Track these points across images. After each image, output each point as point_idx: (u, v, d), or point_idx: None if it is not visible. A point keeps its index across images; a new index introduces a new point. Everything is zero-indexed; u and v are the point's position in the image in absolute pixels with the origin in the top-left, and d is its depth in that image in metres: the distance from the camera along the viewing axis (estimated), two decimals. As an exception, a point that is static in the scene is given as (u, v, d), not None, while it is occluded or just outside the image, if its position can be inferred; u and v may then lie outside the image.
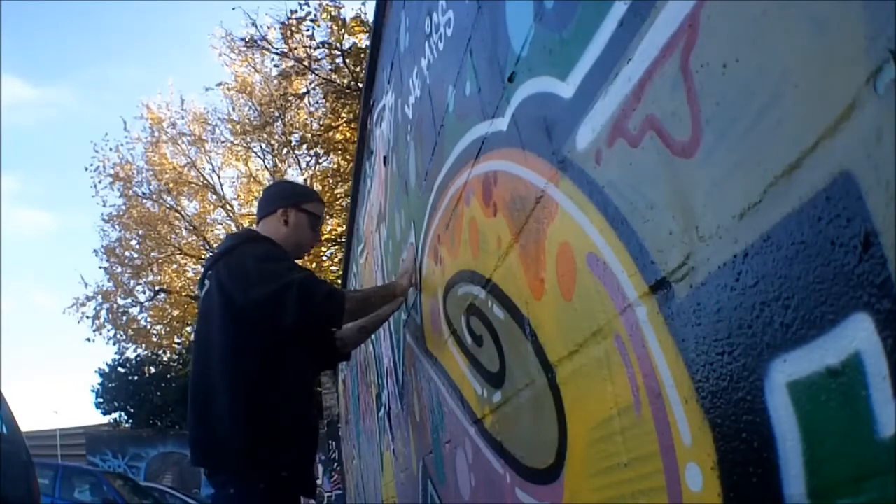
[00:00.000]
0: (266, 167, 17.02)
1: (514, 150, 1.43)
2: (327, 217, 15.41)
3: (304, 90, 13.53)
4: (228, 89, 15.81)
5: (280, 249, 1.98)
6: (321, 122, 13.40)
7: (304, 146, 13.89)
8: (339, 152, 12.66)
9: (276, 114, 14.62)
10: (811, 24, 0.63)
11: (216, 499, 1.95)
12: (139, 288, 17.17)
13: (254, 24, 12.75)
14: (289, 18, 11.59)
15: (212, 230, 17.43)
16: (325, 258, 15.25)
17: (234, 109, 16.54)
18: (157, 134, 17.05)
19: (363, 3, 12.36)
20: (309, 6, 11.31)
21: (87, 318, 16.93)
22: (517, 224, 1.43)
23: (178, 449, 18.20)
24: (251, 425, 1.81)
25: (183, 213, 17.17)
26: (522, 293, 1.45)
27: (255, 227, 2.20)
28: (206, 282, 1.99)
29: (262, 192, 2.42)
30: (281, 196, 2.16)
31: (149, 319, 17.11)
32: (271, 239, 2.02)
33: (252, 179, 17.02)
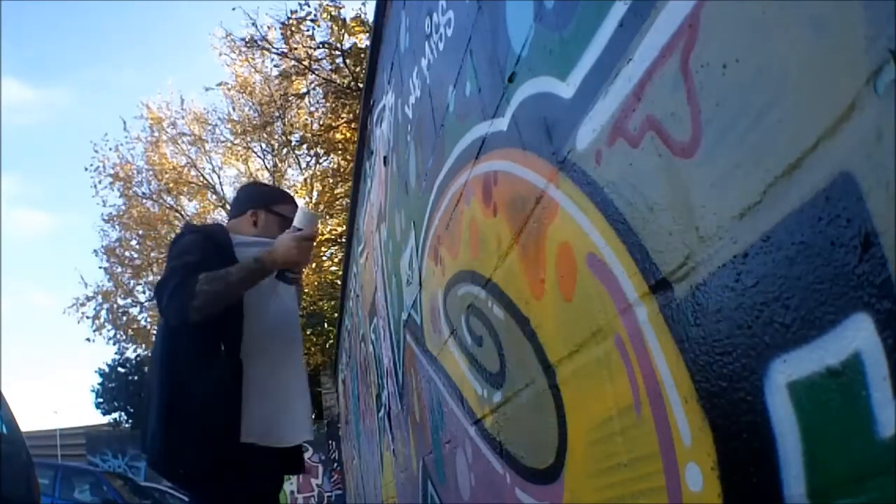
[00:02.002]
0: (266, 167, 17.03)
1: (514, 151, 1.43)
2: (327, 217, 15.44)
3: (304, 90, 13.52)
4: (228, 89, 15.83)
5: (203, 242, 1.85)
6: (321, 122, 13.39)
7: (304, 146, 13.88)
8: (339, 152, 12.65)
9: (276, 114, 14.62)
10: (811, 24, 0.63)
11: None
12: (139, 288, 17.17)
13: (254, 24, 12.76)
14: (289, 18, 11.59)
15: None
16: (325, 258, 15.25)
17: (234, 109, 16.55)
18: (156, 134, 17.07)
19: (363, 3, 12.37)
20: (309, 6, 11.31)
21: (87, 318, 16.95)
22: (517, 224, 1.43)
23: (178, 449, 18.09)
24: (167, 418, 1.79)
25: (183, 213, 17.18)
26: (522, 293, 1.45)
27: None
28: None
29: (236, 191, 2.35)
30: (251, 197, 2.11)
31: (149, 319, 17.10)
32: (212, 233, 1.94)
33: (252, 179, 17.01)
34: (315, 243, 1.94)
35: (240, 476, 1.79)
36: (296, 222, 1.93)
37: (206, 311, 1.72)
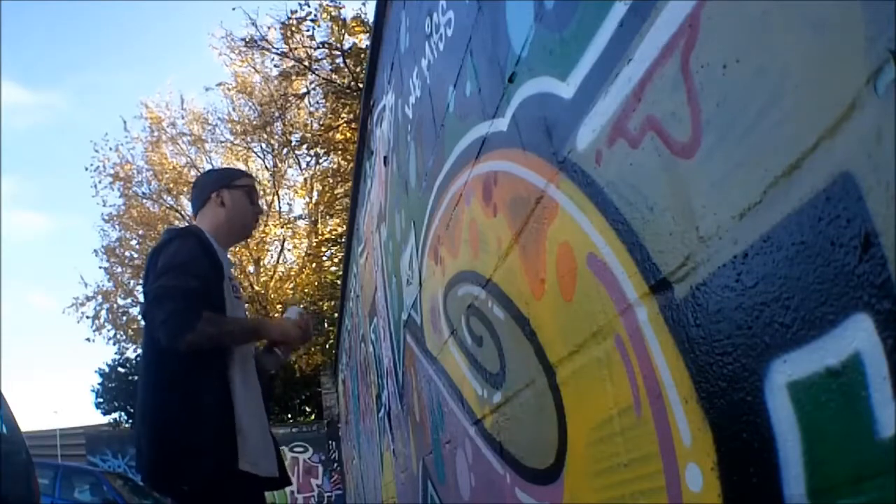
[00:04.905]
0: (266, 167, 17.03)
1: (514, 151, 1.43)
2: (327, 217, 15.43)
3: (304, 90, 13.52)
4: (228, 89, 15.83)
5: (195, 248, 1.86)
6: (321, 122, 13.40)
7: (304, 146, 13.89)
8: (339, 152, 12.65)
9: (276, 114, 14.61)
10: (811, 25, 0.63)
11: None
12: (139, 288, 17.14)
13: (254, 24, 12.76)
14: (289, 18, 11.59)
15: (212, 230, 17.35)
16: (325, 258, 15.25)
17: (234, 109, 16.56)
18: (156, 134, 17.07)
19: (363, 3, 12.36)
20: (309, 6, 11.30)
21: (87, 318, 16.96)
22: (517, 224, 1.43)
23: (178, 449, 18.04)
24: (159, 431, 1.77)
25: (183, 212, 17.18)
26: (523, 293, 1.45)
27: (194, 222, 2.12)
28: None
29: (191, 189, 2.28)
30: (209, 182, 2.12)
31: (149, 319, 17.06)
32: (197, 234, 1.93)
33: (252, 179, 16.99)
34: (306, 335, 2.07)
35: (231, 496, 1.79)
36: (292, 315, 2.06)
37: (197, 347, 1.74)
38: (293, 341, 2.04)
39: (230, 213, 2.03)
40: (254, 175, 2.33)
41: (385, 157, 3.32)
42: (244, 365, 1.90)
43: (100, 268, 17.45)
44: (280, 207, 16.99)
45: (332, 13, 11.29)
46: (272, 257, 17.04)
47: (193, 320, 1.71)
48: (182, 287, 1.76)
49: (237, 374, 1.86)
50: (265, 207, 16.99)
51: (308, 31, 11.74)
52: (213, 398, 1.78)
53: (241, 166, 17.01)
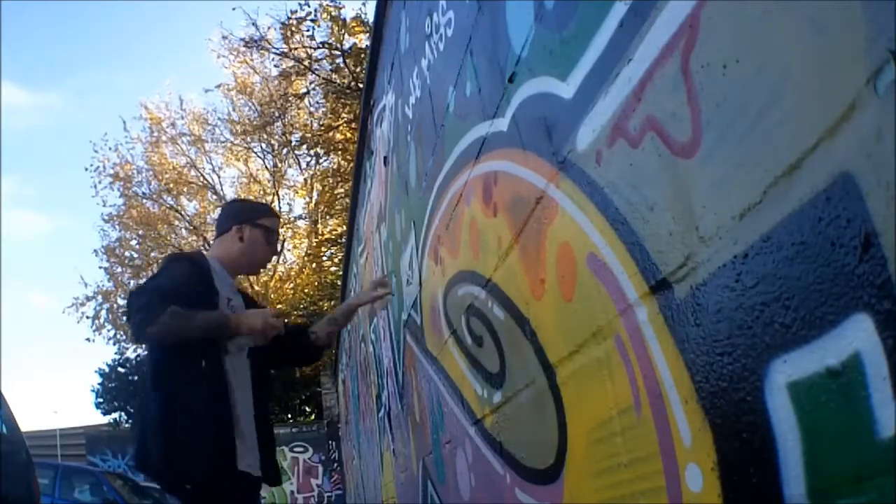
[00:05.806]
0: (266, 167, 17.02)
1: (514, 151, 1.43)
2: (327, 217, 15.43)
3: (304, 90, 13.52)
4: (228, 90, 15.83)
5: (185, 268, 1.95)
6: (321, 123, 13.39)
7: (304, 146, 13.87)
8: (339, 152, 12.64)
9: (276, 114, 14.61)
10: (811, 25, 0.63)
11: None
12: (139, 288, 17.10)
13: (254, 24, 12.75)
14: (289, 18, 11.58)
15: (211, 230, 17.38)
16: (325, 258, 15.24)
17: (233, 110, 16.55)
18: (156, 134, 17.06)
19: (363, 3, 12.36)
20: (309, 6, 11.30)
21: (87, 318, 16.96)
22: (517, 224, 1.43)
23: (178, 449, 18.03)
24: (163, 431, 1.85)
25: (183, 212, 17.18)
26: (523, 293, 1.45)
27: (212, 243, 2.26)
28: None
29: (219, 212, 2.39)
30: (234, 214, 2.20)
31: (149, 319, 17.04)
32: (192, 259, 2.04)
33: (252, 179, 17.02)
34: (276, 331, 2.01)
35: (231, 495, 1.85)
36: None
37: (161, 339, 1.81)
38: (260, 333, 2.02)
39: (245, 250, 2.12)
40: (279, 215, 2.42)
41: (385, 157, 3.32)
42: (238, 371, 1.98)
43: (100, 268, 17.45)
44: (280, 207, 16.97)
45: (332, 13, 11.29)
46: (272, 257, 17.01)
47: (158, 313, 1.76)
48: (153, 285, 1.87)
49: (236, 382, 1.94)
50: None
51: (308, 31, 11.74)
52: (214, 403, 1.86)
53: (241, 166, 17.03)
